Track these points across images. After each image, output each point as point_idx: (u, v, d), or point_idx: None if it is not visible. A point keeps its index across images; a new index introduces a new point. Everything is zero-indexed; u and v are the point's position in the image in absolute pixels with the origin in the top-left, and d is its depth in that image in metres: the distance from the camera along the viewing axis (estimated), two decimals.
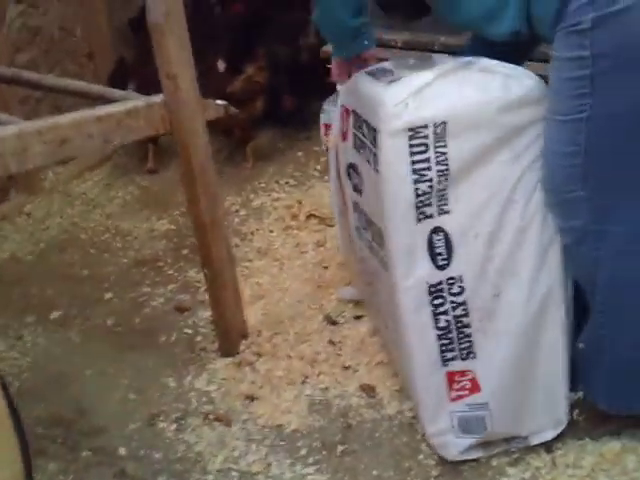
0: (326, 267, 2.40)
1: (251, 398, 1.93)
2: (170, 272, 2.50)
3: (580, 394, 1.72)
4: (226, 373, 2.01)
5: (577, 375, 1.72)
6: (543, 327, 1.59)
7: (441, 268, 1.54)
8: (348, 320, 2.16)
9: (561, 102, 1.45)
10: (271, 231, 2.65)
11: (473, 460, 1.69)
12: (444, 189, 1.49)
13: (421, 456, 1.72)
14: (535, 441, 1.67)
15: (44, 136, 1.35)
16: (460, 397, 1.61)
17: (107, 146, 1.51)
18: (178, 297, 2.37)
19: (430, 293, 1.55)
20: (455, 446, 1.65)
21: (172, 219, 2.81)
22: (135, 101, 1.58)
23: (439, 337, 1.57)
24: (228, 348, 2.06)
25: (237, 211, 2.80)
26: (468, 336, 1.57)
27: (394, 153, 1.49)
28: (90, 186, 3.09)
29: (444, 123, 1.46)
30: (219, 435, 1.83)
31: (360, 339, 2.07)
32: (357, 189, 1.76)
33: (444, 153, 1.47)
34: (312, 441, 1.80)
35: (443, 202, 1.51)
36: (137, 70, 2.99)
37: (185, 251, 2.60)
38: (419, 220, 1.51)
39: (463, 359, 1.58)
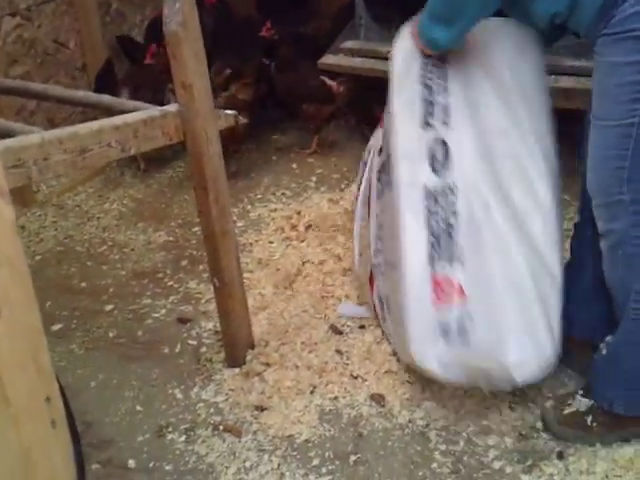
0: (329, 276, 2.40)
1: (260, 408, 1.92)
2: (170, 283, 2.49)
3: (593, 401, 1.74)
4: (234, 384, 2.00)
5: (592, 381, 1.74)
6: (531, 247, 1.67)
7: (438, 174, 1.69)
8: (353, 329, 2.17)
9: (611, 107, 1.48)
10: (271, 242, 2.65)
11: (487, 468, 1.70)
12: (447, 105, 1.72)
13: (434, 464, 1.73)
14: (519, 376, 1.62)
15: (65, 145, 1.34)
16: (444, 302, 1.64)
17: (124, 155, 1.49)
18: (180, 308, 2.36)
19: (427, 197, 1.69)
20: (435, 357, 1.64)
21: (169, 230, 2.80)
22: (151, 111, 1.58)
23: (430, 240, 1.67)
24: (235, 359, 2.05)
25: (235, 222, 2.79)
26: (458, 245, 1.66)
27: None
28: (84, 198, 3.06)
29: None
30: (230, 446, 1.82)
31: (367, 348, 2.08)
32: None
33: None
34: (324, 451, 1.79)
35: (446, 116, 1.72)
36: (130, 78, 3.01)
37: (184, 262, 2.59)
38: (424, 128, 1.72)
39: (451, 266, 1.64)
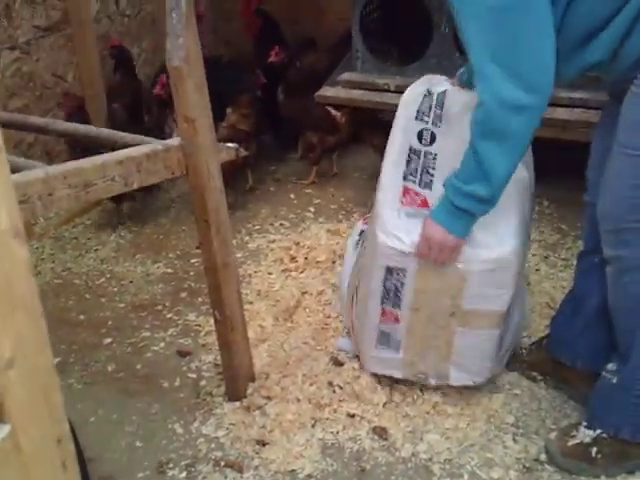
0: (328, 307, 2.39)
1: (262, 443, 1.90)
2: (169, 316, 2.47)
3: (598, 432, 1.73)
4: (235, 418, 1.98)
5: (597, 409, 1.73)
6: None
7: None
8: (353, 360, 2.15)
9: (634, 137, 1.50)
10: (270, 273, 2.64)
11: None
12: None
13: None
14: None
15: (69, 180, 1.34)
16: (410, 204, 1.85)
17: (127, 189, 1.49)
18: (179, 341, 2.34)
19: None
20: (398, 240, 1.82)
21: (168, 262, 2.80)
22: (153, 145, 1.58)
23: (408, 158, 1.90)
24: (236, 392, 2.03)
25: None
26: (431, 175, 1.86)
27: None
28: (81, 230, 3.06)
29: None
30: None
31: (368, 380, 2.06)
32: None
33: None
34: None
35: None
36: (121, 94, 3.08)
37: (183, 294, 2.58)
38: None
39: (421, 186, 1.86)
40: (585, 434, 1.75)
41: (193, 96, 1.58)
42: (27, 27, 2.95)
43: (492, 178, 1.55)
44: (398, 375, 1.99)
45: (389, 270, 1.84)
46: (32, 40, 2.98)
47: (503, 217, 1.76)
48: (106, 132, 1.85)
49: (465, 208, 1.63)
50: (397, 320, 1.90)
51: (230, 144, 1.83)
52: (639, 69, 1.49)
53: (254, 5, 3.70)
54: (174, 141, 1.62)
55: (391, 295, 1.87)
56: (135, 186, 1.51)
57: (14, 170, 1.31)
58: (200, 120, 1.61)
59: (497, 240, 1.78)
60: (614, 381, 1.68)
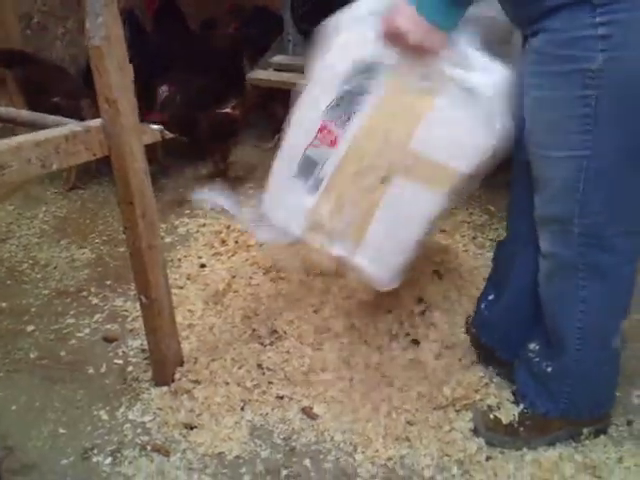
0: (259, 290, 2.39)
1: (190, 427, 1.89)
2: (95, 302, 2.43)
3: (521, 406, 1.79)
4: (162, 402, 1.96)
5: (527, 394, 1.78)
6: None
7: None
8: (282, 342, 2.15)
9: (559, 139, 1.45)
10: (200, 257, 2.62)
11: (419, 476, 1.72)
12: None
13: (365, 476, 1.74)
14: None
15: None
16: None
17: (45, 171, 1.45)
18: (105, 327, 2.30)
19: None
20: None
21: (93, 248, 2.74)
22: (73, 126, 1.54)
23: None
24: (163, 377, 2.01)
25: (162, 238, 2.75)
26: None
27: None
28: (3, 216, 2.97)
29: None
30: (158, 466, 1.78)
31: (297, 362, 2.07)
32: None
33: None
34: (255, 467, 1.78)
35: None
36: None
37: (109, 280, 2.54)
38: None
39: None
40: (509, 409, 1.81)
41: (115, 76, 1.55)
42: None
43: None
44: (294, 231, 1.73)
45: (357, 70, 1.55)
46: None
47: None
48: (26, 114, 1.79)
49: None
50: (333, 144, 1.62)
51: (154, 125, 1.80)
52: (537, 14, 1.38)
53: None
54: (95, 122, 1.59)
55: (342, 105, 1.59)
56: (54, 168, 1.47)
57: None
58: (122, 101, 1.58)
59: (484, 66, 1.51)
60: (549, 370, 1.72)
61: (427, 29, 1.46)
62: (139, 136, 1.68)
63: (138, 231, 1.75)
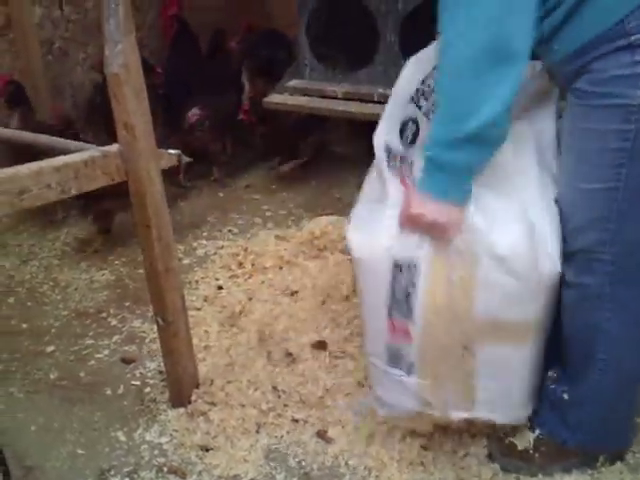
0: (274, 312, 2.40)
1: (205, 449, 1.89)
2: (114, 323, 2.46)
3: (537, 432, 1.77)
4: (178, 424, 1.97)
5: (546, 422, 1.77)
6: None
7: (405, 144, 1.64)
8: (298, 364, 2.16)
9: (592, 171, 1.46)
10: (217, 279, 2.65)
11: None
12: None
13: None
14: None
15: (2, 186, 1.33)
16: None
17: (64, 196, 1.49)
18: (123, 348, 2.33)
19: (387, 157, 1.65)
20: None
21: (113, 269, 2.78)
22: (91, 151, 1.58)
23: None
24: (180, 398, 2.03)
25: (180, 259, 2.78)
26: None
27: None
28: (25, 238, 3.02)
29: None
30: None
31: (313, 384, 2.08)
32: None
33: None
34: None
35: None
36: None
37: (128, 302, 2.57)
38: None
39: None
40: (525, 435, 1.79)
41: (132, 102, 1.58)
42: None
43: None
44: (411, 408, 1.71)
45: (397, 266, 1.55)
46: None
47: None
48: (45, 139, 1.83)
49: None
50: (408, 339, 1.60)
51: (172, 150, 1.83)
52: (580, 63, 1.40)
53: (171, 11, 3.78)
54: (112, 148, 1.62)
55: (400, 300, 1.57)
56: (73, 193, 1.50)
57: None
58: (139, 126, 1.61)
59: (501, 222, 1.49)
60: (565, 397, 1.71)
61: (437, 207, 1.46)
62: (156, 160, 1.71)
63: (155, 254, 1.78)
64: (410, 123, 1.62)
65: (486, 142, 1.40)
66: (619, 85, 1.36)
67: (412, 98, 1.62)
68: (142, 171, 1.67)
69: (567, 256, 1.56)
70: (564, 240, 1.56)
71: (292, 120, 3.30)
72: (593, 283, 1.54)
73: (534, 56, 1.46)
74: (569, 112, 1.50)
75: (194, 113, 3.15)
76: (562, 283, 1.59)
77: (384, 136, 1.69)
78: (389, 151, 1.66)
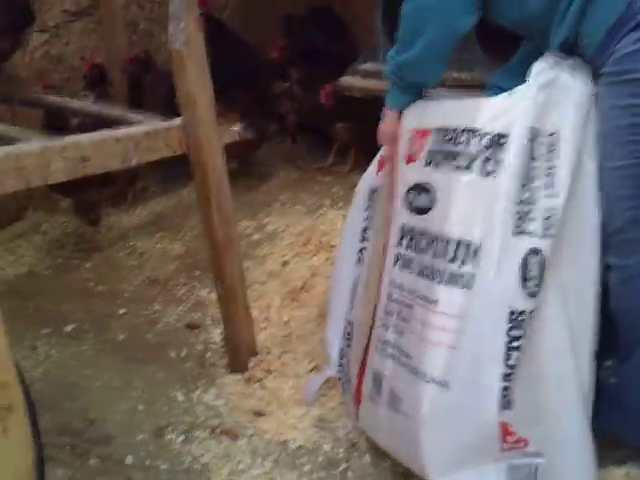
0: None
1: (258, 414, 1.96)
2: (182, 291, 2.57)
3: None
4: (234, 389, 2.06)
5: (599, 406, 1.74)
6: None
7: (532, 295, 1.43)
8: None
9: (614, 148, 1.48)
10: (284, 255, 2.71)
11: None
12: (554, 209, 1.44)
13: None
14: None
15: (66, 153, 1.43)
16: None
17: (125, 165, 1.58)
18: (190, 315, 2.43)
19: (510, 321, 1.43)
20: None
21: (184, 241, 2.90)
22: (154, 123, 1.66)
23: (505, 376, 1.44)
24: (237, 365, 2.11)
25: (250, 235, 2.87)
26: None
27: (516, 157, 1.45)
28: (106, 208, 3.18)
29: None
30: (225, 448, 1.87)
31: None
32: (419, 210, 1.61)
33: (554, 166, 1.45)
34: (316, 457, 1.83)
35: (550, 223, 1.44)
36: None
37: (197, 272, 2.67)
38: (516, 234, 1.44)
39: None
40: None
41: (194, 77, 1.65)
42: (57, 11, 3.07)
43: None
44: None
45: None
46: (61, 24, 3.10)
47: None
48: (117, 111, 1.94)
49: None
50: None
51: (234, 127, 1.90)
52: (604, 58, 1.45)
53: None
54: (175, 120, 1.70)
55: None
56: (133, 163, 1.59)
57: (11, 139, 1.41)
58: (201, 100, 1.69)
59: None
60: (612, 380, 1.69)
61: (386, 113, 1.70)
62: (218, 135, 1.78)
63: (214, 225, 1.85)
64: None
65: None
66: (629, 61, 1.41)
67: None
68: (203, 144, 1.74)
69: (606, 240, 1.55)
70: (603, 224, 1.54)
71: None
72: (633, 263, 1.53)
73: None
74: (597, 99, 1.51)
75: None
76: (606, 269, 1.57)
77: None
78: None
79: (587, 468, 1.56)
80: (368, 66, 3.12)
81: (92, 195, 2.79)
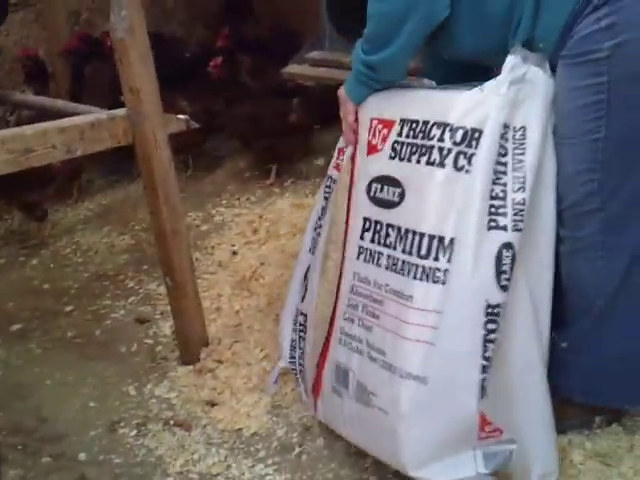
0: (284, 277, 2.46)
1: (211, 404, 1.97)
2: (131, 285, 2.55)
3: None
4: (187, 380, 2.05)
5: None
6: None
7: (504, 289, 1.46)
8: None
9: (574, 127, 1.52)
10: (232, 245, 2.71)
11: None
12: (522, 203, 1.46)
13: None
14: None
15: (8, 145, 1.40)
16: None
17: (69, 156, 1.55)
18: (139, 309, 2.42)
19: (487, 314, 1.45)
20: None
21: (132, 234, 2.87)
22: (98, 114, 1.64)
23: (483, 368, 1.46)
24: (189, 356, 2.10)
25: (198, 226, 2.86)
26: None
27: (489, 153, 1.45)
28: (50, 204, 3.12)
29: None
30: (179, 440, 1.87)
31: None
32: (385, 203, 1.60)
33: (521, 161, 1.47)
34: (270, 443, 1.84)
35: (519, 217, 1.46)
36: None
37: (146, 266, 2.65)
38: (490, 229, 1.45)
39: None
40: None
41: (138, 67, 1.64)
42: None
43: None
44: None
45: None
46: None
47: None
48: (60, 103, 1.91)
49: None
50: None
51: (181, 115, 1.89)
52: (563, 44, 1.50)
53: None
54: (120, 111, 1.68)
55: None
56: (78, 154, 1.57)
57: None
58: (145, 90, 1.67)
59: None
60: (564, 345, 1.73)
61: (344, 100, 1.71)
62: (163, 125, 1.77)
63: (162, 216, 1.84)
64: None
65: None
66: (590, 42, 1.45)
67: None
68: (149, 134, 1.73)
69: (559, 214, 1.60)
70: (558, 199, 1.59)
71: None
72: (585, 234, 1.59)
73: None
74: (556, 80, 1.54)
75: None
76: (557, 241, 1.62)
77: None
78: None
79: (552, 447, 1.62)
80: (314, 54, 3.13)
81: (33, 197, 2.75)
